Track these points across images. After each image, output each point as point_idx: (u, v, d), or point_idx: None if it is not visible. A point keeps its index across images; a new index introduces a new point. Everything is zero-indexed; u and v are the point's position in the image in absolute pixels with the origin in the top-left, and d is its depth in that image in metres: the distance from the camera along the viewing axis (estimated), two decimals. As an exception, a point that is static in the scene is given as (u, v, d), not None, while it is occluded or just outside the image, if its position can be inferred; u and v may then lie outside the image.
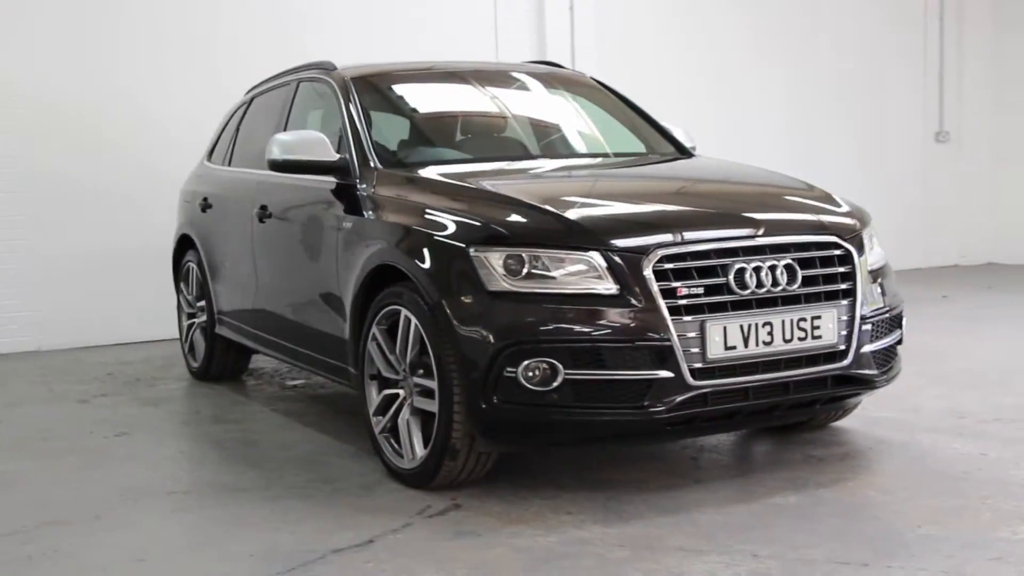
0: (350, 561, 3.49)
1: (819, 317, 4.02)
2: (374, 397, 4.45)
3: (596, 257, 3.82)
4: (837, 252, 4.14)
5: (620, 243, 3.84)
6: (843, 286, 4.11)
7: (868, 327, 4.16)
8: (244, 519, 3.96)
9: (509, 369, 3.80)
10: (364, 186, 4.69)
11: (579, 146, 5.48)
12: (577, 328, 3.76)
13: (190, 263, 6.67)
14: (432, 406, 4.08)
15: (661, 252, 3.83)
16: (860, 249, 4.22)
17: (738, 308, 3.88)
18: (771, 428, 4.87)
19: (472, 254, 3.91)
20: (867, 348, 4.16)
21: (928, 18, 11.93)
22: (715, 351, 3.82)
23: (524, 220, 4.02)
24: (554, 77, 5.89)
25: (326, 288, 4.86)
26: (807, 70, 11.19)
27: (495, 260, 3.88)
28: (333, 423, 5.44)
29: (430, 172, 4.74)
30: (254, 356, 6.71)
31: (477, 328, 3.85)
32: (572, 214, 4.02)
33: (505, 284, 3.84)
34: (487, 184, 4.43)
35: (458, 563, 3.44)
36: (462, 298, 3.91)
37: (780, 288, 3.95)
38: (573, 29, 9.70)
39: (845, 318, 4.08)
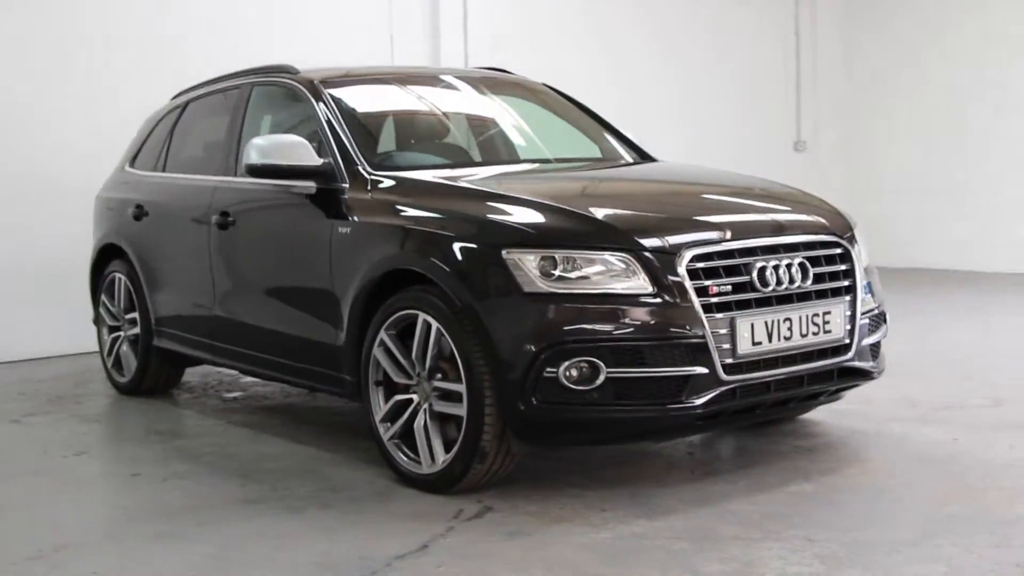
0: (420, 567, 3.46)
1: (829, 312, 4.21)
2: (381, 404, 4.41)
3: (630, 257, 3.90)
4: (838, 251, 4.34)
5: (653, 243, 3.93)
6: (845, 283, 4.32)
7: (866, 321, 4.38)
8: (276, 530, 3.86)
9: (549, 369, 3.84)
10: (356, 190, 4.64)
11: (559, 150, 5.55)
12: (617, 327, 3.84)
13: (116, 274, 6.41)
14: (456, 409, 4.08)
15: (692, 252, 3.95)
16: (855, 248, 4.44)
17: (761, 305, 4.04)
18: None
19: (505, 256, 3.94)
20: (866, 341, 4.38)
21: (786, 34, 12.49)
22: (744, 347, 3.96)
23: (556, 222, 4.07)
24: (511, 83, 5.95)
25: (314, 295, 4.78)
26: (694, 78, 11.55)
27: (529, 262, 3.91)
28: (301, 433, 5.34)
29: (428, 176, 4.74)
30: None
31: (514, 330, 3.88)
32: (602, 216, 4.10)
33: (542, 285, 3.88)
34: (498, 187, 4.46)
35: (530, 562, 3.46)
36: (496, 300, 3.93)
37: (796, 285, 4.13)
38: (466, 39, 9.76)
39: (848, 313, 4.29)
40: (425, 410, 4.22)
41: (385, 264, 4.34)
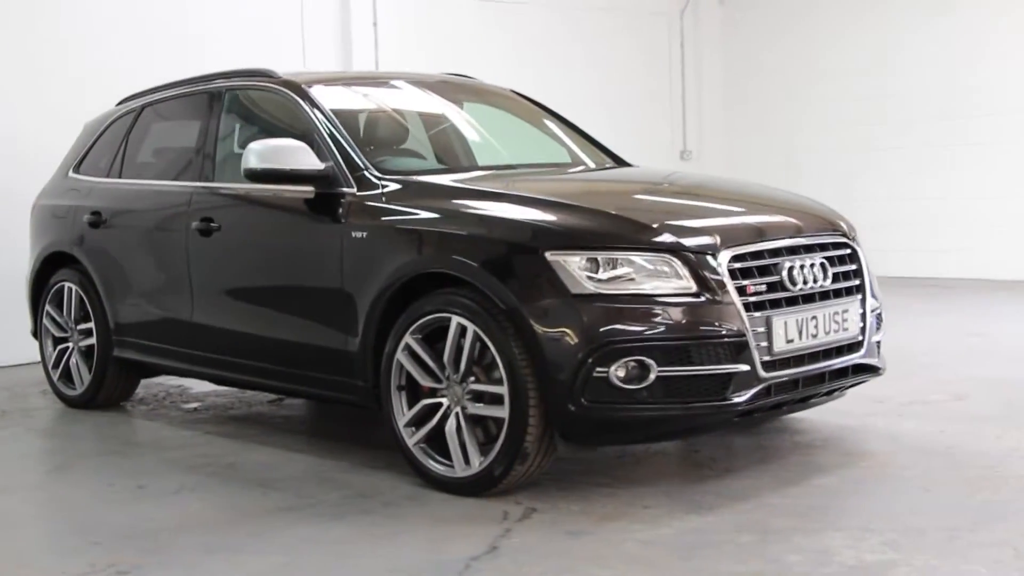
0: (501, 567, 3.45)
1: (847, 310, 4.38)
2: (405, 409, 4.37)
3: (674, 258, 3.98)
4: (847, 251, 4.52)
5: (694, 244, 4.02)
6: (856, 282, 4.49)
7: (874, 319, 4.57)
8: (328, 537, 3.80)
9: (600, 369, 3.88)
10: (366, 195, 4.59)
11: (543, 155, 5.59)
12: (666, 326, 3.91)
13: (65, 283, 6.16)
14: (493, 411, 4.09)
15: (730, 252, 4.05)
16: (860, 248, 4.62)
17: (790, 304, 4.17)
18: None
19: (549, 258, 3.97)
20: (874, 338, 4.57)
21: (672, 47, 12.82)
22: (779, 344, 4.08)
23: (596, 223, 4.12)
24: (482, 89, 5.97)
25: (320, 300, 4.71)
26: (587, 90, 11.71)
27: (574, 263, 3.95)
28: (287, 441, 5.25)
29: (438, 180, 4.73)
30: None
31: (563, 331, 3.91)
32: (641, 217, 4.17)
33: (588, 286, 3.92)
34: (523, 190, 4.48)
35: (607, 558, 3.49)
36: (543, 302, 3.95)
37: (818, 285, 4.28)
38: (377, 45, 9.74)
39: (860, 311, 4.47)
40: (456, 413, 4.21)
41: (413, 268, 4.31)
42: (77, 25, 8.06)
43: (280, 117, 5.27)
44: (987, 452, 4.65)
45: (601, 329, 3.89)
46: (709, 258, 4.00)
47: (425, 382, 4.30)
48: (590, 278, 3.93)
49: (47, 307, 6.32)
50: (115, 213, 5.88)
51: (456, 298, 4.17)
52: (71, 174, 6.40)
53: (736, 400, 3.98)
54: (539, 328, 3.94)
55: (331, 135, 4.84)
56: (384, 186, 4.60)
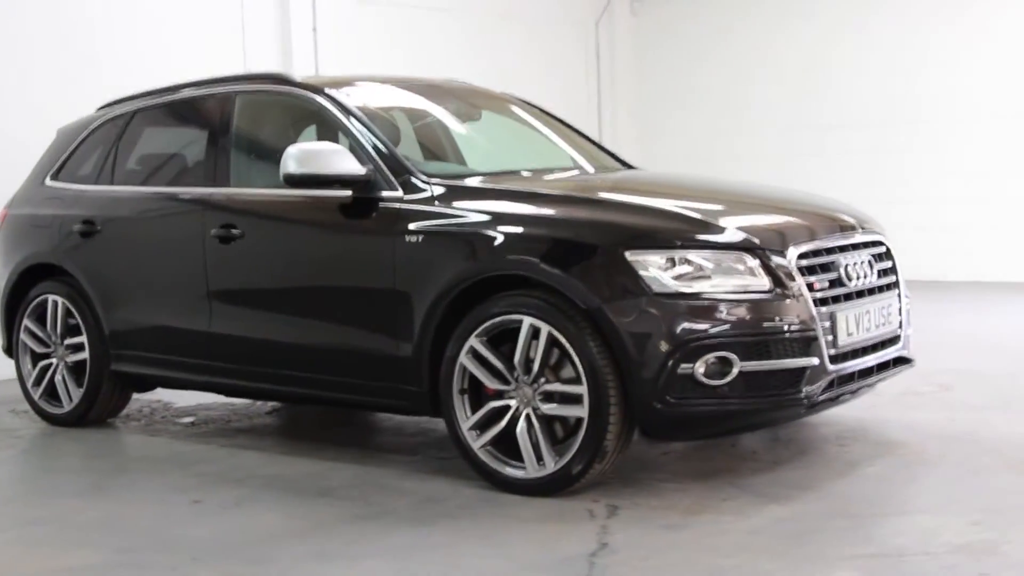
0: (626, 561, 3.51)
1: (891, 305, 4.58)
2: (468, 412, 4.38)
3: (747, 255, 4.10)
4: (883, 248, 4.71)
5: (767, 242, 4.15)
6: (893, 278, 4.69)
7: (906, 313, 4.78)
8: (432, 542, 3.80)
9: (685, 366, 3.97)
10: (414, 198, 4.58)
11: (580, 159, 5.65)
12: (747, 322, 4.02)
13: (49, 296, 5.93)
14: (570, 411, 4.14)
15: (798, 249, 4.20)
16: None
17: (847, 300, 4.33)
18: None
19: (630, 258, 4.04)
20: (908, 332, 4.78)
21: (587, 56, 13.03)
22: (843, 338, 4.24)
23: (672, 223, 4.20)
24: (493, 95, 6.00)
25: (367, 306, 4.67)
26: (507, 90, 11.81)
27: (654, 263, 4.04)
28: (316, 449, 5.18)
29: (491, 183, 4.76)
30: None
31: (647, 329, 3.99)
32: (714, 217, 4.27)
33: (670, 285, 4.01)
34: (587, 192, 4.55)
35: (724, 548, 3.59)
36: (625, 301, 4.02)
37: (868, 280, 4.46)
38: (316, 51, 9.67)
39: (898, 306, 4.67)
40: (527, 415, 4.23)
41: (479, 270, 4.33)
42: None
43: (303, 122, 5.21)
44: (1007, 438, 4.89)
45: (685, 326, 3.98)
46: (780, 256, 4.13)
47: (492, 384, 4.32)
48: (671, 277, 4.02)
49: (26, 322, 6.06)
50: (111, 221, 5.70)
51: (528, 300, 4.20)
52: (48, 182, 6.17)
53: (808, 393, 4.11)
54: (623, 327, 4.01)
55: (370, 139, 4.81)
56: (434, 189, 4.60)
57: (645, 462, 4.66)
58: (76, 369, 5.90)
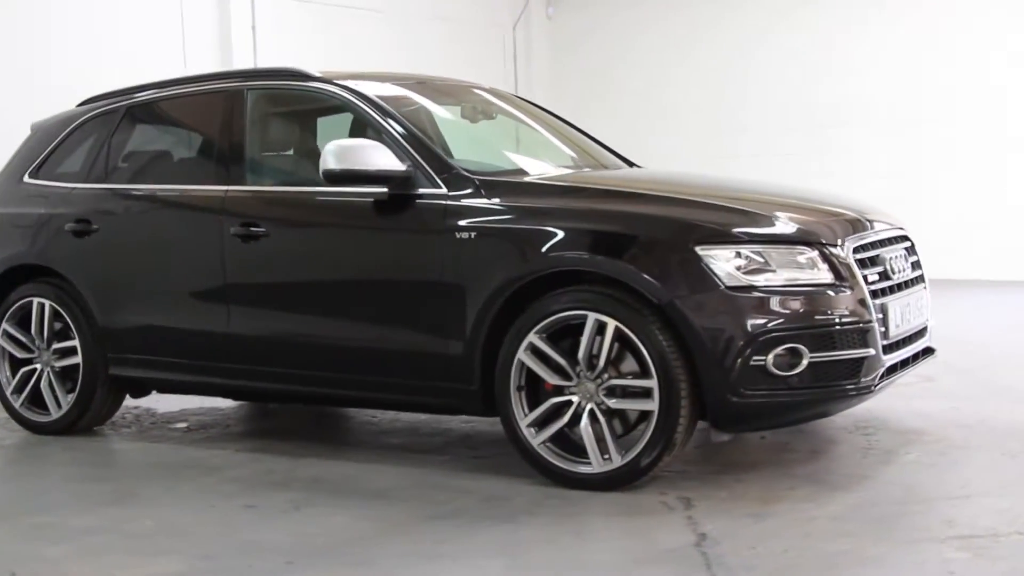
0: (737, 550, 3.55)
1: (922, 297, 4.74)
2: (526, 409, 4.37)
3: (811, 250, 4.19)
4: (910, 243, 4.88)
5: (826, 236, 4.25)
6: (920, 272, 4.86)
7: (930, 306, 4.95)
8: (516, 539, 3.79)
9: (757, 358, 4.04)
10: (463, 194, 4.55)
11: (580, 157, 5.67)
12: (814, 315, 4.12)
13: (34, 299, 5.67)
14: (639, 405, 4.18)
15: (852, 244, 4.32)
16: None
17: (892, 292, 4.47)
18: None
19: (700, 252, 4.09)
20: (933, 323, 4.95)
21: (505, 59, 13.11)
22: (892, 329, 4.38)
23: (740, 219, 4.26)
24: (501, 94, 6.00)
25: (414, 304, 4.62)
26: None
27: (724, 257, 4.10)
28: (339, 452, 5.11)
29: (537, 179, 4.76)
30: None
31: (722, 323, 4.05)
32: (774, 213, 4.34)
33: (742, 279, 4.08)
34: (641, 188, 4.58)
35: (825, 534, 3.68)
36: (698, 296, 4.07)
37: (906, 274, 4.61)
38: (256, 48, 9.52)
39: (926, 298, 4.84)
40: (590, 410, 4.25)
41: (541, 266, 4.31)
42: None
43: (320, 116, 5.14)
44: (1016, 423, 5.10)
45: (758, 320, 4.05)
46: (839, 249, 4.24)
47: (553, 380, 4.31)
48: (740, 270, 4.09)
49: (5, 326, 5.79)
50: (109, 220, 5.48)
51: (593, 295, 4.22)
52: (27, 180, 5.90)
53: (866, 382, 4.23)
54: (697, 321, 4.06)
55: (407, 136, 4.75)
56: (482, 187, 4.57)
57: (684, 457, 4.71)
58: (64, 375, 5.67)
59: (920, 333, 4.76)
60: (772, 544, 3.60)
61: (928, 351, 4.90)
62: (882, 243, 4.55)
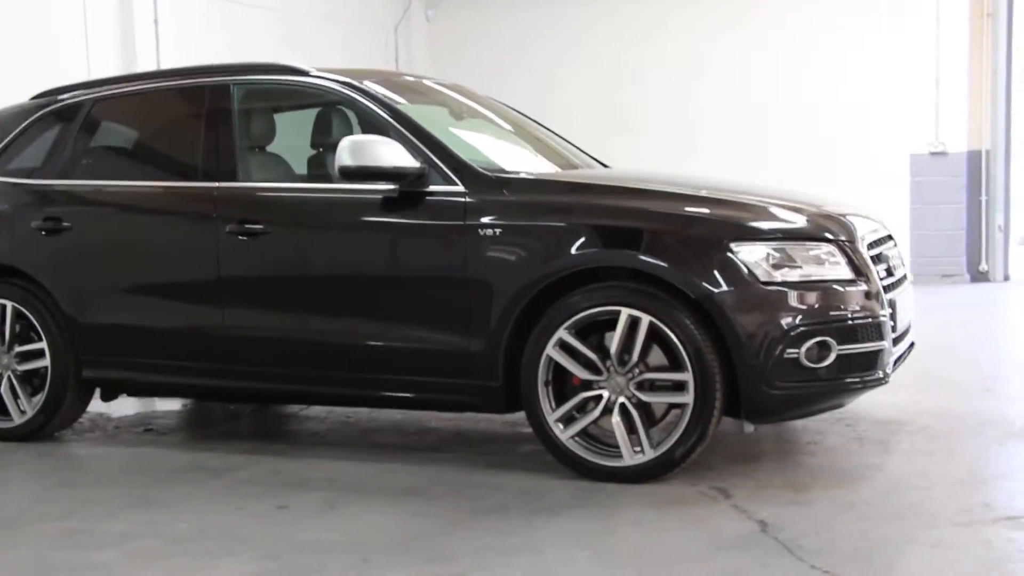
0: (803, 532, 3.67)
1: (910, 293, 4.99)
2: (553, 404, 4.41)
3: (834, 247, 4.37)
4: (894, 242, 5.12)
5: (846, 234, 4.43)
6: (906, 269, 5.11)
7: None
8: (578, 530, 3.83)
9: (791, 351, 4.19)
10: (482, 192, 4.55)
11: (571, 157, 5.72)
12: (841, 309, 4.28)
13: (-2, 301, 5.41)
14: (673, 398, 4.29)
15: (866, 241, 4.52)
16: (893, 240, 5.24)
17: (894, 288, 4.69)
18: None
19: (735, 249, 4.22)
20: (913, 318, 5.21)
21: (387, 59, 13.04)
22: (900, 323, 4.60)
23: (766, 218, 4.38)
24: (470, 93, 5.99)
25: (433, 302, 4.60)
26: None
27: (757, 253, 4.24)
28: (329, 450, 5.06)
29: (556, 176, 4.81)
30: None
31: (758, 317, 4.18)
32: (800, 211, 4.49)
33: (775, 275, 4.22)
34: (651, 186, 4.67)
35: (873, 517, 3.83)
36: (733, 291, 4.19)
37: (903, 270, 4.85)
38: (158, 44, 9.27)
39: (912, 294, 5.09)
40: (621, 404, 4.32)
41: (573, 263, 4.35)
42: None
43: (326, 114, 5.07)
44: (980, 412, 5.38)
45: (792, 314, 4.20)
46: (856, 247, 4.42)
47: (582, 375, 4.37)
48: (772, 267, 4.23)
49: (-46, 330, 5.49)
50: (84, 218, 5.26)
51: (625, 291, 4.29)
52: (-20, 176, 5.60)
53: (883, 373, 4.43)
54: (733, 316, 4.18)
55: (419, 133, 4.73)
56: (501, 183, 4.59)
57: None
58: (27, 379, 5.41)
59: (910, 327, 4.99)
60: (834, 528, 3.74)
61: (911, 346, 5.15)
62: (882, 241, 4.77)
